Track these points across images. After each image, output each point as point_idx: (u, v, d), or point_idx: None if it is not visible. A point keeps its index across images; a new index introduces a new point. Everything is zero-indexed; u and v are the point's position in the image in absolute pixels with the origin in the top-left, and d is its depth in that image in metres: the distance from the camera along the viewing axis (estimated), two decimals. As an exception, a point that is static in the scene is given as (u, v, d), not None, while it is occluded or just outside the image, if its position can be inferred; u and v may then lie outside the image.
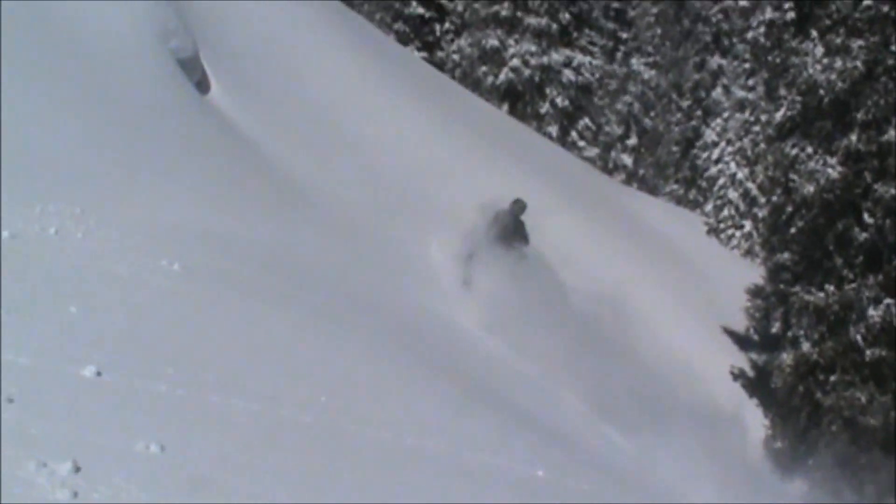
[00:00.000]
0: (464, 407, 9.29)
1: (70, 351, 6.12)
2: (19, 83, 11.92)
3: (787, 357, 22.30)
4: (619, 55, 52.13)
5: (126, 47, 15.16)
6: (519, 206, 17.95)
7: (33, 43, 13.26)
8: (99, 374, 5.79)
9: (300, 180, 16.51)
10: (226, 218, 12.26)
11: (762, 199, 35.57)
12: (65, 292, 7.33)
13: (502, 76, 40.12)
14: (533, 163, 24.36)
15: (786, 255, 22.98)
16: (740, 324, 24.65)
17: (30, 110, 11.66)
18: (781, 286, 22.89)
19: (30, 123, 11.34)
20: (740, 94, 46.63)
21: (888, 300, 21.49)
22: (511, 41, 41.04)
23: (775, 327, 23.12)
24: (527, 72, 40.48)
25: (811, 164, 22.45)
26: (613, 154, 48.81)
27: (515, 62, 40.54)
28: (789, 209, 23.03)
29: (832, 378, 21.90)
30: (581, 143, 40.72)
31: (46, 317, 6.71)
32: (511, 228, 17.89)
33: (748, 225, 41.54)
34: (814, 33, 23.10)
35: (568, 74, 40.85)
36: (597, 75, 43.40)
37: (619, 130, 50.41)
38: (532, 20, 41.04)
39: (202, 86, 17.05)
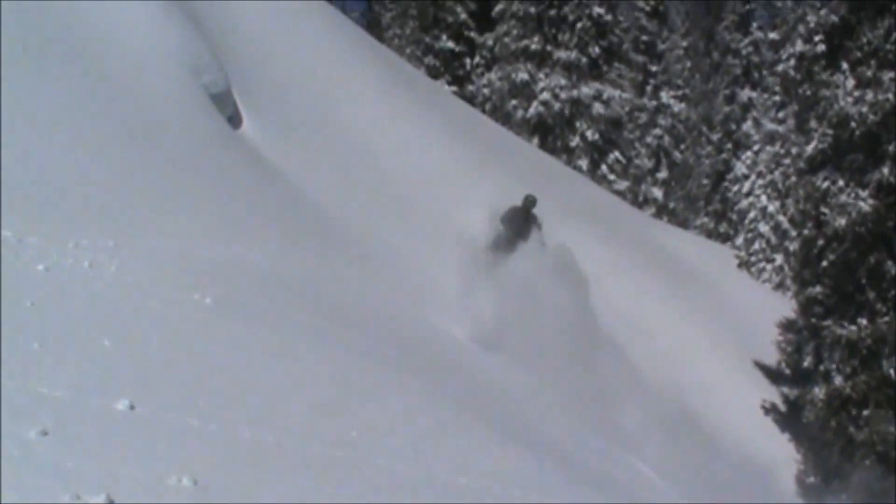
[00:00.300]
0: (493, 441, 9.25)
1: (103, 384, 6.16)
2: (55, 118, 12.05)
3: (819, 391, 22.17)
4: (648, 88, 52.17)
5: (159, 82, 15.31)
6: (530, 200, 18.06)
7: (68, 78, 13.40)
8: (132, 407, 5.82)
9: (332, 213, 16.58)
10: (258, 251, 12.32)
11: (793, 233, 35.42)
12: (98, 325, 7.37)
13: (532, 110, 40.21)
14: (563, 197, 24.34)
15: (817, 289, 22.86)
16: (772, 357, 24.52)
17: (64, 145, 11.77)
18: (813, 320, 22.77)
19: (64, 158, 11.44)
20: (771, 126, 46.49)
21: (921, 334, 21.37)
22: (541, 75, 41.16)
23: (807, 361, 22.99)
24: (557, 105, 40.56)
25: (842, 197, 22.37)
26: (644, 187, 48.73)
27: (545, 96, 40.63)
28: (821, 242, 22.93)
29: (865, 412, 21.73)
30: (611, 177, 40.70)
31: (80, 350, 6.74)
32: (523, 221, 18.08)
33: (779, 258, 41.31)
34: (844, 65, 23.08)
35: (598, 108, 40.89)
36: (627, 108, 43.46)
37: (649, 163, 50.35)
38: (562, 54, 41.16)
39: (234, 120, 17.19)
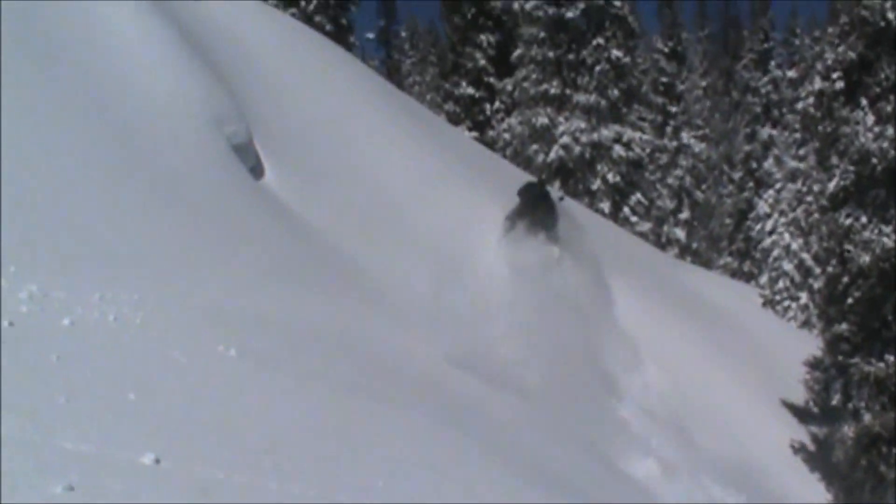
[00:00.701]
0: (520, 489, 9.24)
1: (129, 438, 6.18)
2: (78, 171, 12.15)
3: (848, 429, 22.00)
4: (669, 129, 52.31)
5: (182, 134, 15.43)
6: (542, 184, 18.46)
7: (91, 130, 13.52)
8: (157, 461, 5.83)
9: (356, 263, 16.62)
10: (282, 302, 12.36)
11: (817, 270, 35.30)
12: (124, 379, 7.41)
13: (553, 154, 40.30)
14: (587, 240, 24.33)
15: (843, 326, 22.73)
16: (799, 396, 24.34)
17: (88, 197, 11.86)
18: (840, 357, 22.63)
19: (89, 210, 11.54)
20: (792, 164, 46.49)
21: (950, 370, 21.23)
22: (561, 119, 41.29)
23: (835, 399, 22.82)
24: (577, 149, 40.64)
25: (866, 234, 22.29)
26: (666, 228, 48.75)
27: (566, 139, 40.73)
28: (845, 280, 22.82)
29: (895, 450, 21.56)
30: (633, 218, 40.71)
31: (106, 404, 6.77)
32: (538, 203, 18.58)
33: (804, 296, 41.17)
34: (864, 102, 23.07)
35: (618, 150, 40.96)
36: (647, 150, 43.51)
37: (671, 204, 50.38)
38: (581, 97, 41.30)
39: (256, 171, 17.28)
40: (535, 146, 40.57)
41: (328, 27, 37.92)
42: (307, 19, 36.28)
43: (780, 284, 43.18)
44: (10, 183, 10.72)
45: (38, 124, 12.47)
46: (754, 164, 51.35)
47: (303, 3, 38.74)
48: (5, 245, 9.46)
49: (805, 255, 42.52)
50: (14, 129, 11.84)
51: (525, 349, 16.03)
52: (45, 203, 11.00)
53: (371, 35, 63.14)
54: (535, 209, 19.83)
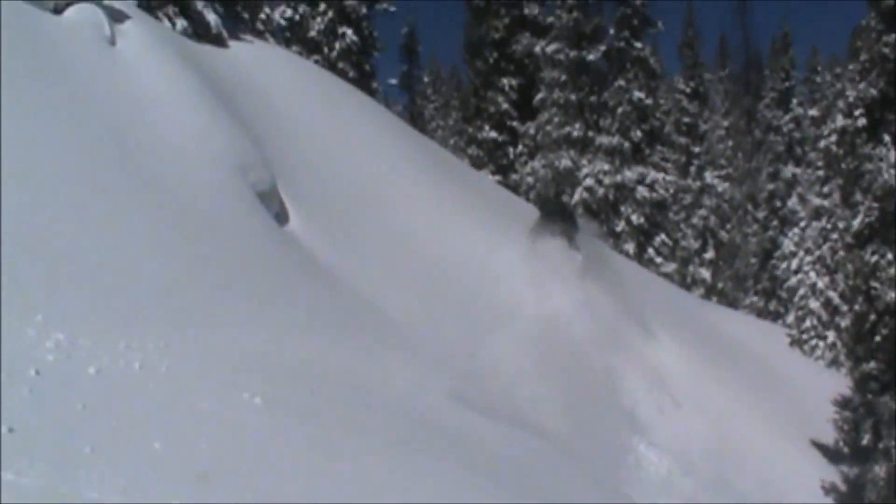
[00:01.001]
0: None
1: (155, 489, 6.20)
2: (104, 218, 12.23)
3: (879, 469, 21.84)
4: (692, 169, 52.30)
5: (206, 181, 15.50)
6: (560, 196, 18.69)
7: (116, 178, 13.60)
8: (184, 510, 5.86)
9: (381, 308, 16.62)
10: (307, 348, 12.36)
11: (844, 308, 35.14)
12: (149, 428, 7.43)
13: (577, 196, 40.33)
14: (611, 280, 24.31)
15: (872, 365, 22.62)
16: (829, 436, 24.18)
17: (114, 244, 11.93)
18: (869, 396, 22.51)
19: (114, 257, 11.59)
20: (816, 201, 46.35)
21: (981, 406, 21.08)
22: (584, 161, 41.37)
23: (866, 439, 22.67)
24: (601, 191, 40.69)
25: (892, 271, 22.22)
26: (691, 268, 48.65)
27: (589, 181, 40.79)
28: (872, 317, 22.74)
29: (928, 490, 21.42)
30: (658, 260, 40.65)
31: (132, 453, 6.80)
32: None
33: (831, 335, 40.93)
34: (886, 138, 23.08)
35: (642, 191, 40.98)
36: (671, 191, 43.52)
37: (695, 244, 50.31)
38: (604, 139, 41.40)
39: (281, 217, 17.34)
40: (558, 189, 40.59)
41: (351, 73, 38.12)
42: (331, 66, 36.51)
43: (807, 323, 42.95)
44: (39, 229, 10.81)
45: (65, 170, 12.57)
46: (778, 203, 51.23)
47: (326, 50, 38.97)
48: (33, 292, 9.53)
49: (832, 294, 42.33)
50: (42, 175, 11.95)
51: (546, 387, 15.99)
52: (73, 249, 11.07)
53: (394, 80, 63.45)
54: (555, 221, 20.28)
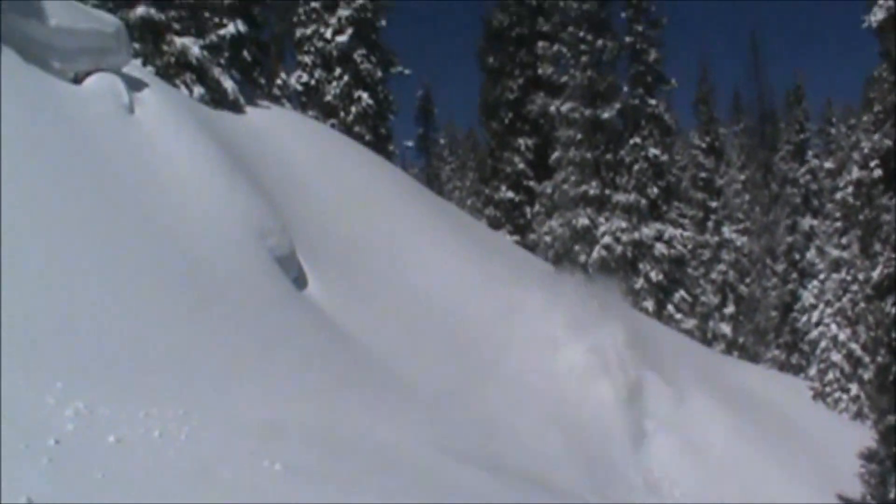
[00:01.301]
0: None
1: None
2: (124, 286, 12.30)
3: (907, 522, 21.64)
4: (710, 224, 52.24)
5: (226, 247, 15.59)
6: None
7: (137, 245, 13.68)
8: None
9: (400, 373, 16.62)
10: (327, 412, 12.36)
11: (867, 360, 34.95)
12: (170, 497, 7.44)
13: (595, 254, 40.34)
14: (631, 338, 24.27)
15: (897, 417, 22.46)
16: (856, 490, 23.94)
17: (134, 312, 11.98)
18: (895, 449, 22.31)
19: (134, 324, 11.65)
20: (835, 253, 46.14)
21: None
22: (601, 219, 41.44)
23: (893, 493, 22.45)
24: (619, 248, 40.71)
25: (913, 322, 22.13)
26: (712, 324, 48.49)
27: (607, 239, 40.83)
28: (895, 369, 22.59)
29: (956, 542, 21.17)
30: (678, 316, 40.55)
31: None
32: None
33: (854, 387, 40.66)
34: (903, 189, 23.05)
35: (660, 248, 40.99)
36: (689, 246, 43.52)
37: (715, 300, 50.17)
38: (621, 197, 41.49)
39: (299, 282, 17.40)
40: (576, 247, 40.62)
41: (368, 137, 38.31)
42: (347, 129, 36.72)
43: (830, 376, 42.65)
44: (58, 297, 10.88)
45: (86, 237, 12.66)
46: (797, 256, 51.09)
47: (342, 114, 39.19)
48: (53, 360, 9.58)
49: (854, 345, 42.07)
50: (63, 241, 12.04)
51: (563, 444, 15.96)
52: (93, 316, 11.12)
53: (410, 143, 63.72)
54: (571, 277, 20.65)
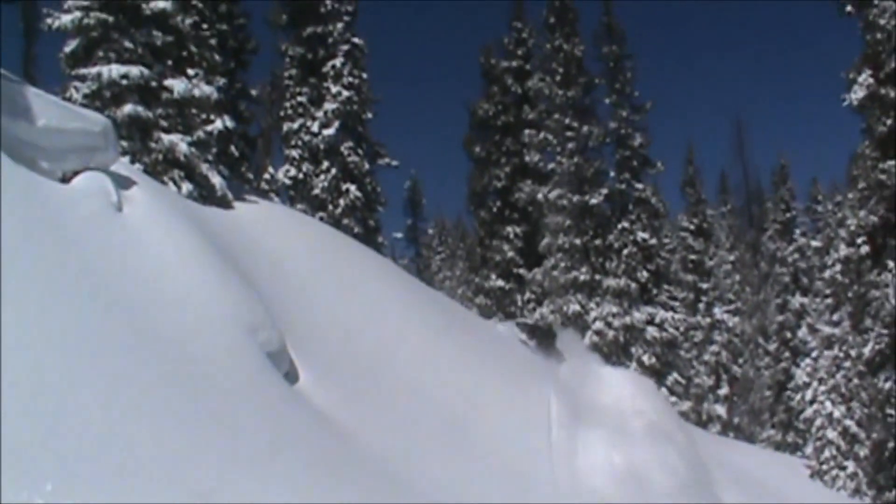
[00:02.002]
0: None
1: None
2: (110, 385, 12.27)
3: None
4: (701, 306, 52.42)
5: (216, 345, 15.55)
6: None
7: (124, 341, 13.68)
8: None
9: (395, 469, 16.54)
10: (322, 507, 12.29)
11: (863, 436, 34.88)
12: None
13: (586, 340, 40.34)
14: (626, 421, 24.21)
15: (894, 493, 22.42)
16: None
17: (123, 412, 11.95)
18: (894, 524, 22.27)
19: (123, 426, 11.61)
20: (827, 330, 46.19)
21: None
22: (592, 304, 41.56)
23: (893, 566, 22.38)
24: (610, 333, 40.78)
25: (907, 397, 22.18)
26: (706, 405, 48.40)
27: (598, 325, 40.92)
28: (891, 445, 22.60)
29: None
30: (672, 399, 40.48)
31: None
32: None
33: (851, 464, 40.55)
34: (891, 264, 23.18)
35: (652, 331, 41.06)
36: (681, 329, 43.57)
37: (709, 381, 50.15)
38: (611, 282, 41.65)
39: (290, 376, 17.33)
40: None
41: (357, 229, 38.48)
42: (336, 222, 36.88)
43: (826, 454, 42.46)
44: (46, 396, 10.85)
45: (74, 336, 12.64)
46: (789, 334, 51.17)
47: (330, 207, 39.39)
48: (44, 462, 9.54)
49: (849, 422, 41.94)
50: (50, 341, 12.03)
51: None
52: (82, 417, 11.08)
53: (399, 234, 64.07)
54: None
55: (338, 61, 40.99)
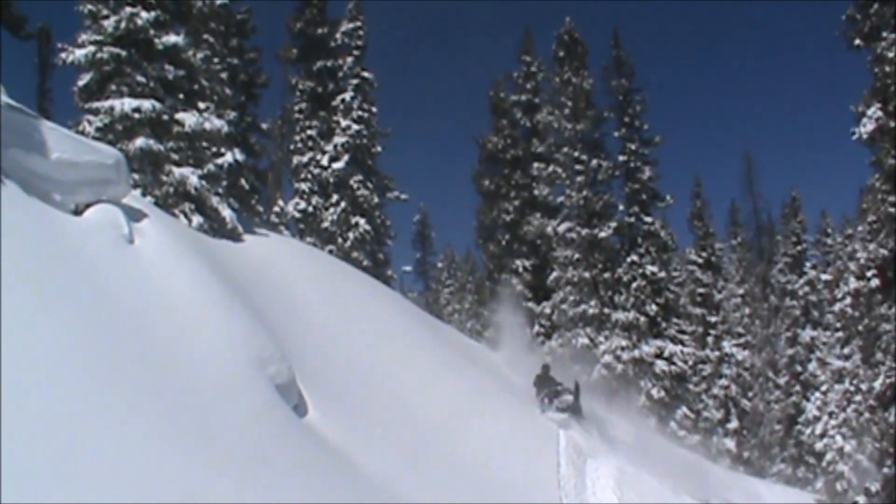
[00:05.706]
0: None
1: None
2: (122, 420, 12.28)
3: None
4: (710, 339, 52.21)
5: (226, 377, 15.56)
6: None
7: (134, 375, 13.70)
8: None
9: (405, 497, 16.52)
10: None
11: (874, 470, 34.73)
12: None
13: (595, 373, 40.24)
14: (638, 453, 24.19)
15: (906, 527, 22.32)
16: None
17: (132, 447, 11.95)
18: (906, 559, 22.14)
19: (133, 461, 11.61)
20: (837, 363, 46.19)
21: None
22: (601, 338, 41.44)
23: None
24: (619, 367, 40.64)
25: (918, 431, 22.09)
26: (715, 439, 48.16)
27: (607, 358, 40.79)
28: (903, 479, 22.51)
29: None
30: (681, 433, 40.33)
31: None
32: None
33: (862, 499, 40.34)
34: (900, 298, 23.14)
35: (661, 365, 40.91)
36: (690, 362, 43.40)
37: (718, 415, 49.90)
38: (620, 315, 41.54)
39: (299, 409, 17.33)
40: (576, 367, 40.56)
41: (366, 262, 38.56)
42: (345, 255, 36.96)
43: (837, 488, 42.31)
44: (58, 431, 10.86)
45: (84, 370, 12.67)
46: (799, 368, 50.98)
47: (340, 240, 39.48)
48: (55, 497, 9.55)
49: (860, 456, 41.82)
50: (63, 376, 12.06)
51: None
52: (93, 451, 11.08)
53: (408, 267, 64.16)
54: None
55: (347, 95, 41.22)
